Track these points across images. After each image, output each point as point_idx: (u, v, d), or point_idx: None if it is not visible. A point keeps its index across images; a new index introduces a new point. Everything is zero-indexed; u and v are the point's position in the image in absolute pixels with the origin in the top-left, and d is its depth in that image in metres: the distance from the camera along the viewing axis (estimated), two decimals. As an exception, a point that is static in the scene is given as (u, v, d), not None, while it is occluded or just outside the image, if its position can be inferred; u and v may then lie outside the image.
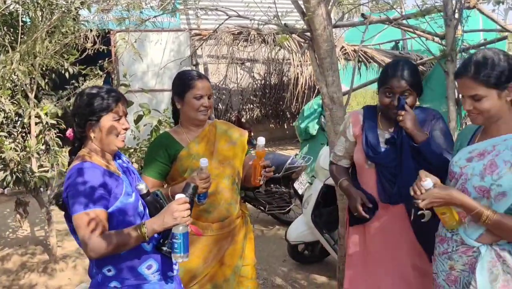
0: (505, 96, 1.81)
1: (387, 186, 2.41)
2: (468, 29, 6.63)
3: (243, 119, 10.23)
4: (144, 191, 1.98)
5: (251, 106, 10.86)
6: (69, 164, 2.01)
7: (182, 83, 2.52)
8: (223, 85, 10.24)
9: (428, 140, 2.31)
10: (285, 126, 11.25)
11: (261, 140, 2.41)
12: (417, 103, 2.53)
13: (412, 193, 1.91)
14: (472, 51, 5.57)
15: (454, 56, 2.62)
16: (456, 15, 2.72)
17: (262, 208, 5.57)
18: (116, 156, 2.11)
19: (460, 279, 1.93)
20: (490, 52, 1.83)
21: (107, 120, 1.97)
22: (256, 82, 10.63)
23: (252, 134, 9.12)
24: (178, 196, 1.91)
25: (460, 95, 3.26)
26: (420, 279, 2.42)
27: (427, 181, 1.86)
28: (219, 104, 10.23)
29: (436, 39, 3.32)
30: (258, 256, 4.79)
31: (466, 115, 4.99)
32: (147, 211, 2.03)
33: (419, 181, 1.89)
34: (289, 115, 11.04)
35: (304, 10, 3.16)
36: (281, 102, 10.62)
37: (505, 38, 4.91)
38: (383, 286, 2.46)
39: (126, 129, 2.05)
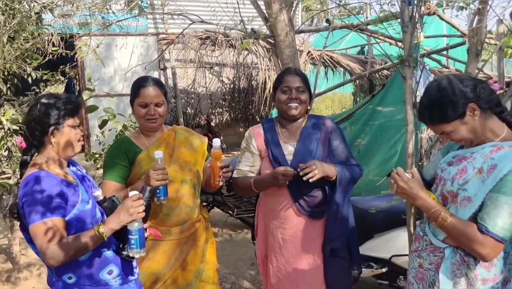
0: (471, 118, 1.79)
1: (301, 198, 2.53)
2: (431, 35, 6.84)
3: (212, 123, 10.24)
4: (101, 198, 1.99)
5: (220, 110, 10.86)
6: (22, 173, 1.99)
7: (132, 91, 2.53)
8: (192, 90, 10.22)
9: (338, 172, 2.46)
10: (255, 130, 11.30)
11: (216, 142, 2.41)
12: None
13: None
14: (440, 56, 5.76)
15: (411, 62, 2.70)
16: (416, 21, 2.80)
17: (230, 212, 5.57)
18: (70, 163, 2.10)
19: (427, 277, 1.96)
20: (434, 90, 1.83)
21: (69, 126, 1.99)
22: (225, 86, 10.65)
23: (221, 138, 9.15)
24: (131, 193, 1.93)
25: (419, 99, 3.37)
26: None
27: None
28: (188, 108, 10.21)
29: (400, 44, 3.41)
30: (226, 260, 4.84)
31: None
32: (105, 217, 2.03)
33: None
34: (258, 119, 11.08)
35: (267, 16, 3.21)
36: (250, 106, 10.67)
37: (463, 43, 5.06)
38: None
39: (82, 136, 2.06)
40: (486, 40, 3.52)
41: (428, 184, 2.10)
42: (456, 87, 1.79)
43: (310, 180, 2.34)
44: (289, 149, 2.58)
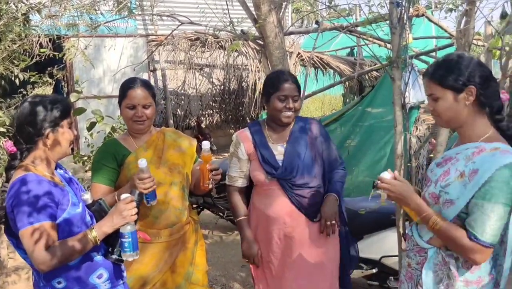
0: (463, 99, 1.78)
1: (297, 198, 2.56)
2: (419, 36, 6.89)
3: (202, 125, 10.21)
4: (90, 201, 1.98)
5: (211, 111, 10.84)
6: (7, 175, 1.95)
7: (120, 92, 2.52)
8: (182, 91, 10.19)
9: (338, 193, 2.61)
10: (245, 132, 11.30)
11: (205, 144, 2.41)
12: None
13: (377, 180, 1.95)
14: (429, 57, 5.82)
15: (399, 63, 2.71)
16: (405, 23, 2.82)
17: (220, 214, 5.57)
18: (56, 166, 2.07)
19: (414, 276, 1.98)
20: (454, 56, 1.87)
21: (65, 126, 1.97)
22: (215, 87, 10.63)
23: (211, 140, 9.13)
24: (123, 196, 1.94)
25: (408, 100, 3.38)
26: None
27: (385, 173, 1.93)
28: (178, 110, 10.17)
29: (389, 45, 3.43)
30: (216, 262, 4.82)
31: (417, 119, 5.19)
32: (94, 220, 2.01)
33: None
34: (248, 121, 11.08)
35: (256, 17, 3.21)
36: (240, 108, 10.66)
37: (452, 45, 5.11)
38: None
39: (74, 136, 2.05)
40: (474, 41, 3.55)
41: None
42: (472, 65, 1.80)
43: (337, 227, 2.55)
44: (278, 149, 2.60)
